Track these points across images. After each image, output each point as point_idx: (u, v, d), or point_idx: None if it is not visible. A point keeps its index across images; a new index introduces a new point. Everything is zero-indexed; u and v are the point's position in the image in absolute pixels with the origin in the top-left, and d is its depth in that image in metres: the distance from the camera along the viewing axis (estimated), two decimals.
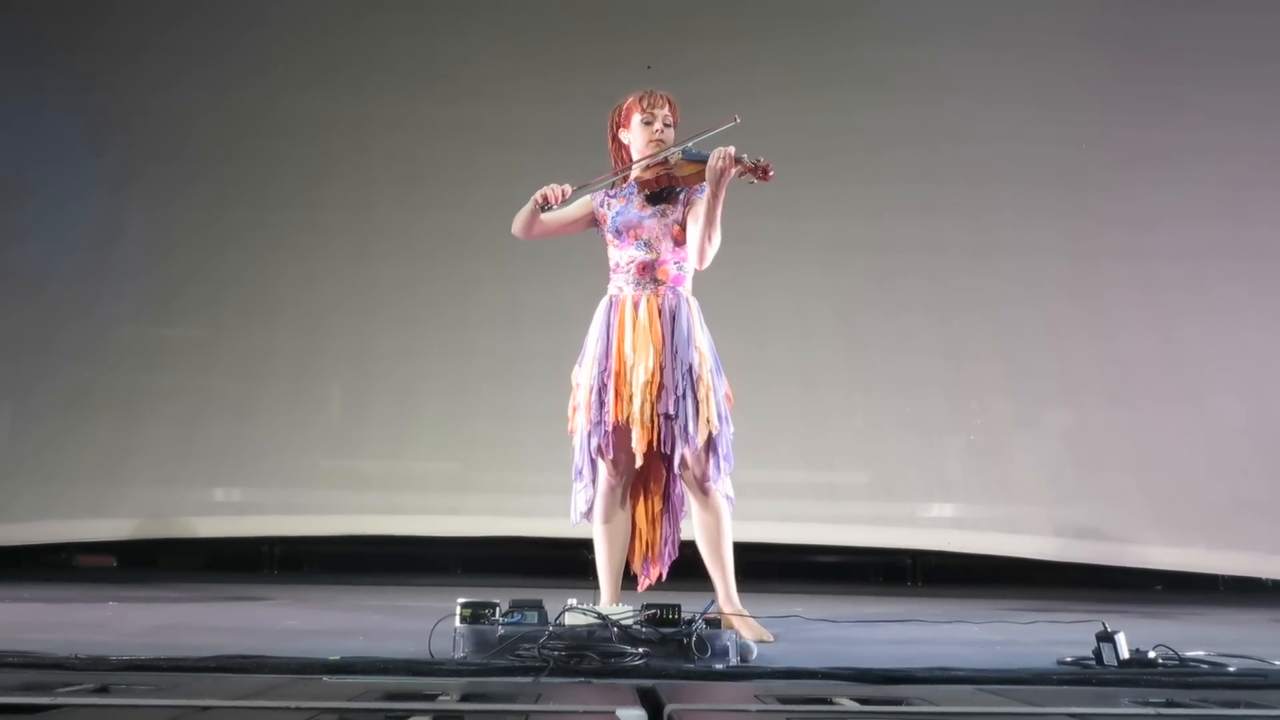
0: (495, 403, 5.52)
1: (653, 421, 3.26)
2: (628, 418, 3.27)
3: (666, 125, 3.40)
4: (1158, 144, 5.64)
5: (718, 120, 3.24)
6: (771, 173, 3.19)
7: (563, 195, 3.33)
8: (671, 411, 3.25)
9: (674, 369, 3.28)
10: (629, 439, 3.29)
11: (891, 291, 5.61)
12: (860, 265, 5.61)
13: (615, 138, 3.47)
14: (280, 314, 5.61)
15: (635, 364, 3.28)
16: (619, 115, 3.46)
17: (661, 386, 3.27)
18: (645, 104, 3.40)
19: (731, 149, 3.18)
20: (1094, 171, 5.67)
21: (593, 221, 3.47)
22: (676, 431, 3.25)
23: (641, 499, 3.47)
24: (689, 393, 3.27)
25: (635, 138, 3.41)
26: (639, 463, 3.33)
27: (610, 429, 3.29)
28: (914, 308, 5.62)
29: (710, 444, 3.28)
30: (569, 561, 5.26)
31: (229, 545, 5.55)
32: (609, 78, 5.43)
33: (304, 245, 5.63)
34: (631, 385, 3.28)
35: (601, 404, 3.30)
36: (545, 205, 3.34)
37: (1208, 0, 5.71)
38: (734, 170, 3.18)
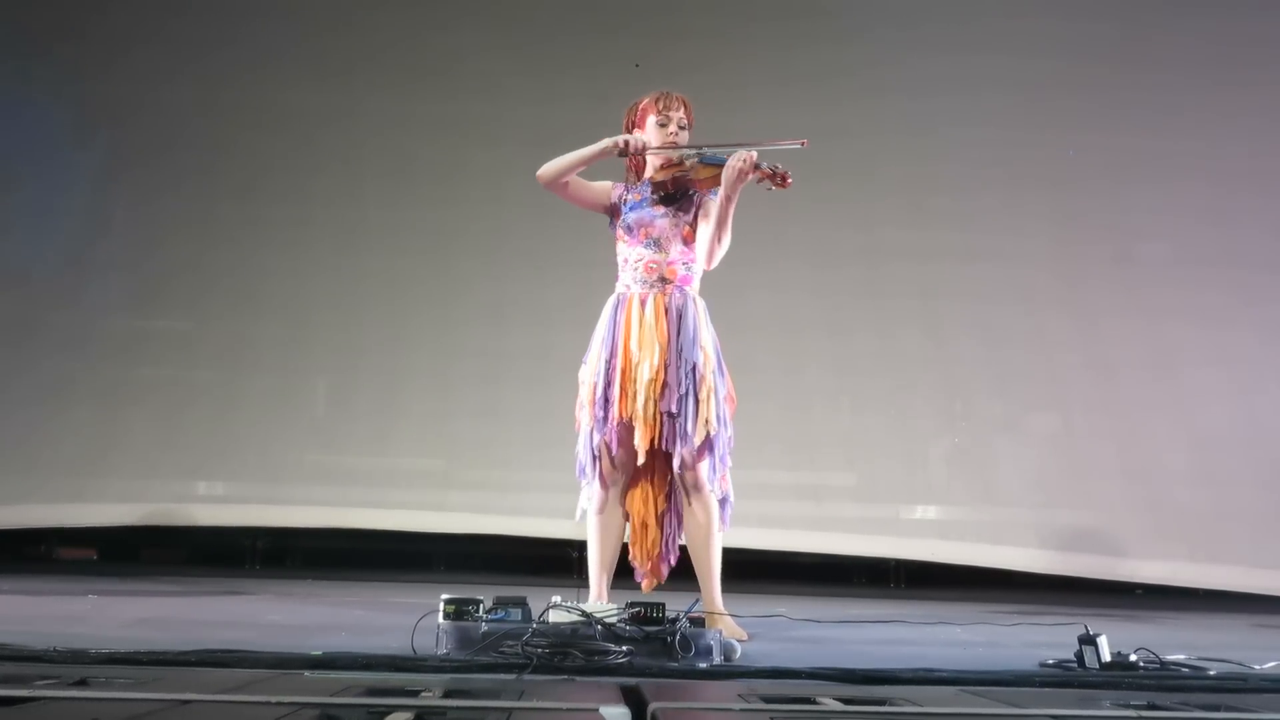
0: (481, 401, 5.52)
1: (656, 419, 3.26)
2: (631, 415, 3.27)
3: (681, 128, 3.40)
4: (1146, 150, 5.65)
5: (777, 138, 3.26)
6: (790, 180, 3.19)
7: (642, 147, 3.35)
8: (674, 410, 3.26)
9: (678, 367, 3.29)
10: (631, 436, 3.29)
11: (878, 293, 5.61)
12: (847, 265, 5.61)
13: None
14: (266, 308, 5.59)
15: (640, 361, 3.29)
16: (634, 114, 3.46)
17: (665, 384, 3.27)
18: (661, 105, 3.40)
19: (754, 153, 3.19)
20: (1083, 177, 5.68)
21: (606, 209, 3.46)
22: (678, 430, 3.26)
23: (644, 499, 3.45)
24: (691, 391, 3.28)
25: (650, 139, 3.40)
26: (640, 460, 3.32)
27: (614, 426, 3.29)
28: (901, 310, 5.62)
29: (707, 444, 3.28)
30: (554, 559, 5.27)
31: (211, 539, 5.52)
32: (597, 76, 5.48)
33: (291, 239, 5.61)
34: (636, 383, 3.28)
35: (606, 400, 3.30)
36: (624, 151, 3.34)
37: (1197, 8, 5.72)
38: (752, 175, 3.18)
